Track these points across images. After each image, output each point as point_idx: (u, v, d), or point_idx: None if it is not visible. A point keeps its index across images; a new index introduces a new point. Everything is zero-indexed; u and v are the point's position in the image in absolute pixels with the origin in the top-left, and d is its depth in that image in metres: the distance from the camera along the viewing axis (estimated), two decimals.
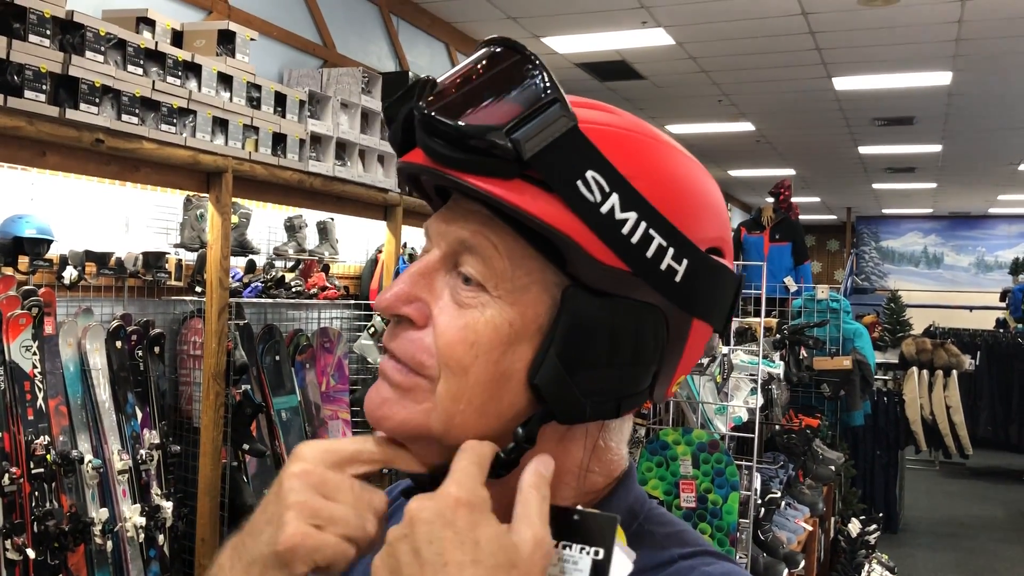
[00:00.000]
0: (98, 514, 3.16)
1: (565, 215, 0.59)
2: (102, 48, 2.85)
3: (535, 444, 0.64)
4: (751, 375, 3.32)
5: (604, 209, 0.60)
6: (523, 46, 0.64)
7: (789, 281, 6.01)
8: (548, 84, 0.61)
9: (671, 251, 0.62)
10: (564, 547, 0.61)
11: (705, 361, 2.64)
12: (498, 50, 0.65)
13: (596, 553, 0.60)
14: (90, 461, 3.17)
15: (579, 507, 0.62)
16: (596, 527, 0.61)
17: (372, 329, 4.31)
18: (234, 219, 3.53)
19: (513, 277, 0.63)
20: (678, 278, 0.62)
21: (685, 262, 0.62)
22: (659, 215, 0.61)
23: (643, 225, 0.60)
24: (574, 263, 0.61)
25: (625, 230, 0.60)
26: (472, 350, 0.62)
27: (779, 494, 3.83)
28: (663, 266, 0.62)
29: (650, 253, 0.61)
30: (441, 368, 0.63)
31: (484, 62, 0.65)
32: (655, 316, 0.63)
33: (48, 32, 2.69)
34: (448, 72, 0.67)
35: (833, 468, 4.96)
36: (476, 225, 0.64)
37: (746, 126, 9.60)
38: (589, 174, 0.59)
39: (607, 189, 0.60)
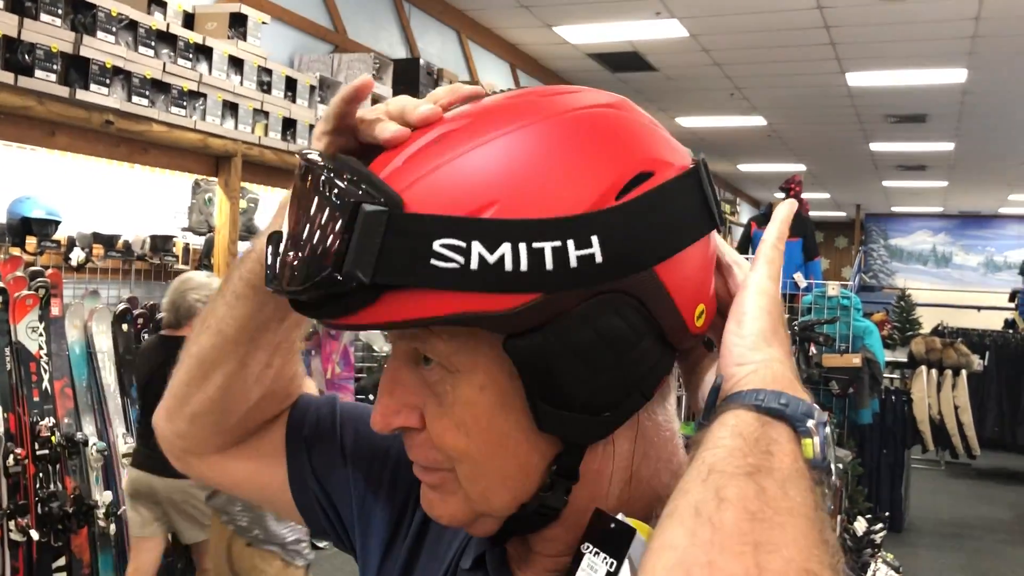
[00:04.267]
0: (102, 497, 3.15)
1: (443, 299, 0.53)
2: (113, 29, 2.83)
3: (579, 478, 0.61)
4: None
5: (474, 266, 0.52)
6: (311, 157, 0.58)
7: (799, 277, 5.96)
8: (342, 186, 0.54)
9: (570, 243, 0.53)
10: (594, 553, 0.59)
11: None
12: (303, 168, 0.59)
13: (611, 565, 0.58)
14: (95, 444, 3.16)
15: (619, 516, 0.60)
16: (617, 539, 0.59)
17: None
18: (242, 204, 3.51)
19: (461, 350, 0.59)
20: (599, 258, 0.54)
21: (595, 238, 0.54)
22: (532, 223, 0.53)
23: (522, 247, 0.53)
24: (489, 326, 0.55)
25: (508, 267, 0.52)
26: (461, 431, 0.60)
27: None
28: (573, 263, 0.54)
29: (549, 265, 0.53)
30: (453, 460, 0.62)
31: (298, 190, 0.59)
32: (606, 305, 0.56)
33: (60, 11, 2.67)
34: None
35: (840, 466, 4.94)
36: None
37: (758, 120, 9.55)
38: (437, 246, 0.52)
39: (463, 245, 0.52)
